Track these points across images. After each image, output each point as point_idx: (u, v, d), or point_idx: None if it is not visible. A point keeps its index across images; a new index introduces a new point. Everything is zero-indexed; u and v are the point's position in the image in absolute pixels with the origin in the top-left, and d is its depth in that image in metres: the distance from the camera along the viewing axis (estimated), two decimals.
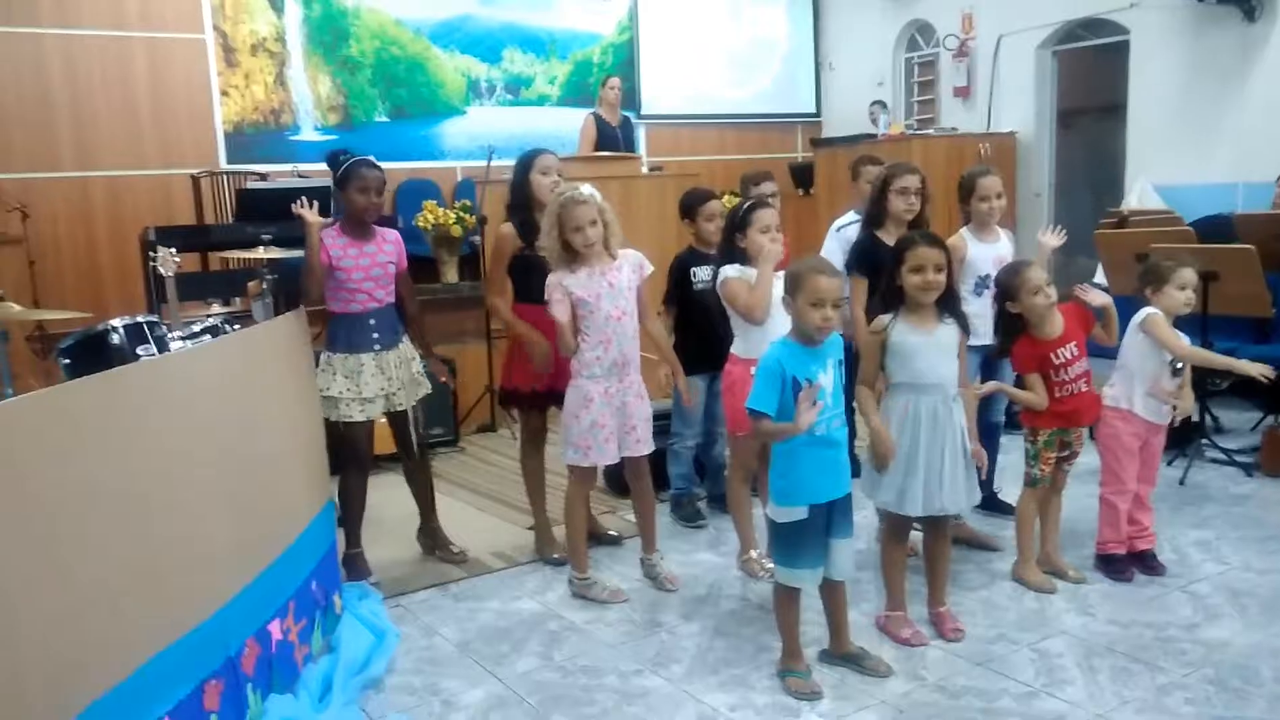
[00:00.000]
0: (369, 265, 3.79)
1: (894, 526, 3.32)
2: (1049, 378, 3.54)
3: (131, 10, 7.70)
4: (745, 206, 3.78)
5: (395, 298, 3.91)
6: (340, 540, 3.80)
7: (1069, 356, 3.53)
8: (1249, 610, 3.39)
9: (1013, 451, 3.70)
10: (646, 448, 3.71)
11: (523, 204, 4.00)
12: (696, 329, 4.18)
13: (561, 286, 3.52)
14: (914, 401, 3.15)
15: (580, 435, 3.60)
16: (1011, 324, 3.60)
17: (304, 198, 3.74)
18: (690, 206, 4.37)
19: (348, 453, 3.88)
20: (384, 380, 3.82)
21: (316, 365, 3.71)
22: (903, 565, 3.34)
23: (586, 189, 3.55)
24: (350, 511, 3.93)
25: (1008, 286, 3.57)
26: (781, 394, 2.89)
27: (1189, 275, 3.59)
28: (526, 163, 4.02)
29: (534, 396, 4.04)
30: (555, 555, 4.05)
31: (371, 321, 3.80)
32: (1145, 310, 3.62)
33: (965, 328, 3.24)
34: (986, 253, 4.00)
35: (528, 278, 3.92)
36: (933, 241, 3.17)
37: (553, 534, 4.15)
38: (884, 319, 3.18)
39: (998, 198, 4.01)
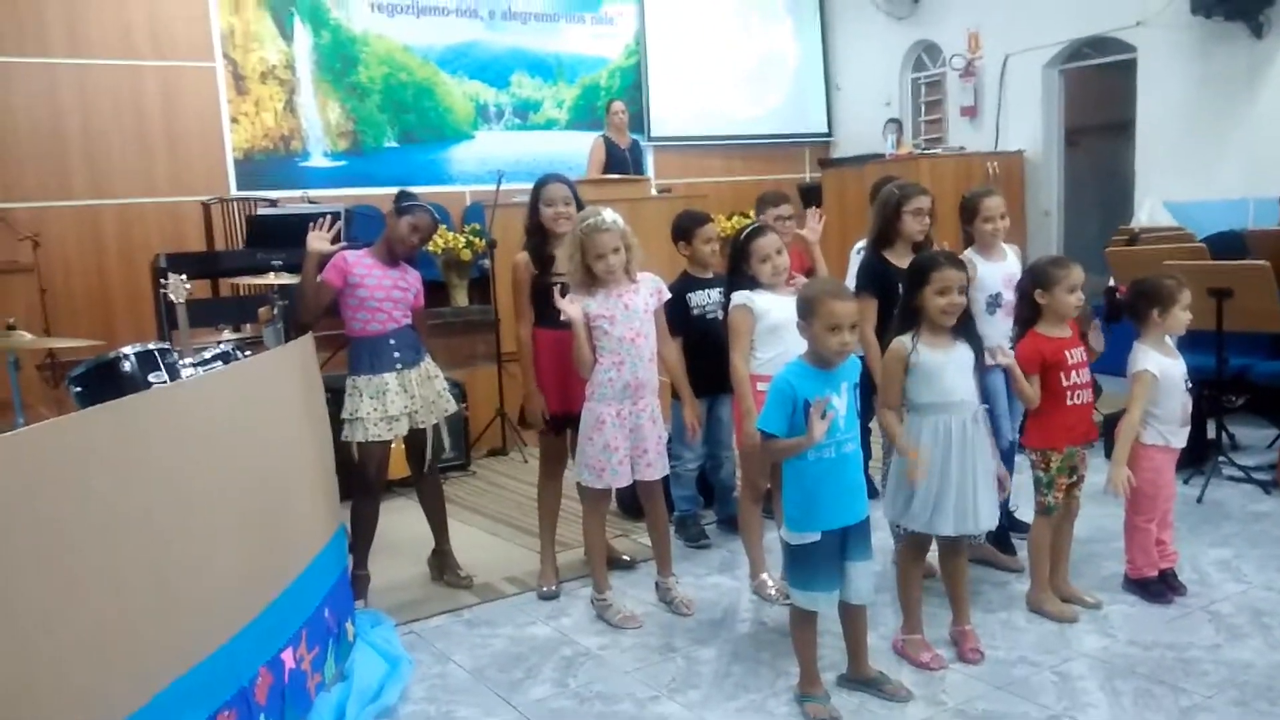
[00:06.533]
0: (391, 287, 3.89)
1: (912, 547, 3.28)
2: (1059, 381, 3.46)
3: (142, 39, 7.77)
4: (745, 234, 3.76)
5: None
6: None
7: (1080, 359, 3.50)
8: (1272, 630, 3.35)
9: (1027, 469, 3.66)
10: (657, 472, 3.69)
11: (535, 232, 3.99)
12: (695, 353, 4.07)
13: (578, 306, 3.52)
14: (942, 420, 3.12)
15: (594, 457, 3.59)
16: (1028, 316, 3.54)
17: (327, 216, 3.88)
18: (687, 229, 4.31)
19: (362, 474, 3.90)
20: (407, 399, 3.89)
21: (327, 391, 3.71)
22: (920, 587, 3.30)
23: (609, 215, 3.52)
24: (360, 533, 3.93)
25: (1047, 275, 3.45)
26: (792, 416, 2.87)
27: (1189, 295, 3.57)
28: (535, 192, 4.02)
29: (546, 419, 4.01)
30: (545, 589, 3.96)
31: (392, 341, 3.88)
32: (1136, 367, 3.54)
33: (979, 349, 3.22)
34: (996, 271, 3.96)
35: (544, 304, 3.92)
36: (957, 263, 3.15)
37: (553, 566, 4.06)
38: (905, 341, 3.15)
39: (1001, 218, 3.98)
